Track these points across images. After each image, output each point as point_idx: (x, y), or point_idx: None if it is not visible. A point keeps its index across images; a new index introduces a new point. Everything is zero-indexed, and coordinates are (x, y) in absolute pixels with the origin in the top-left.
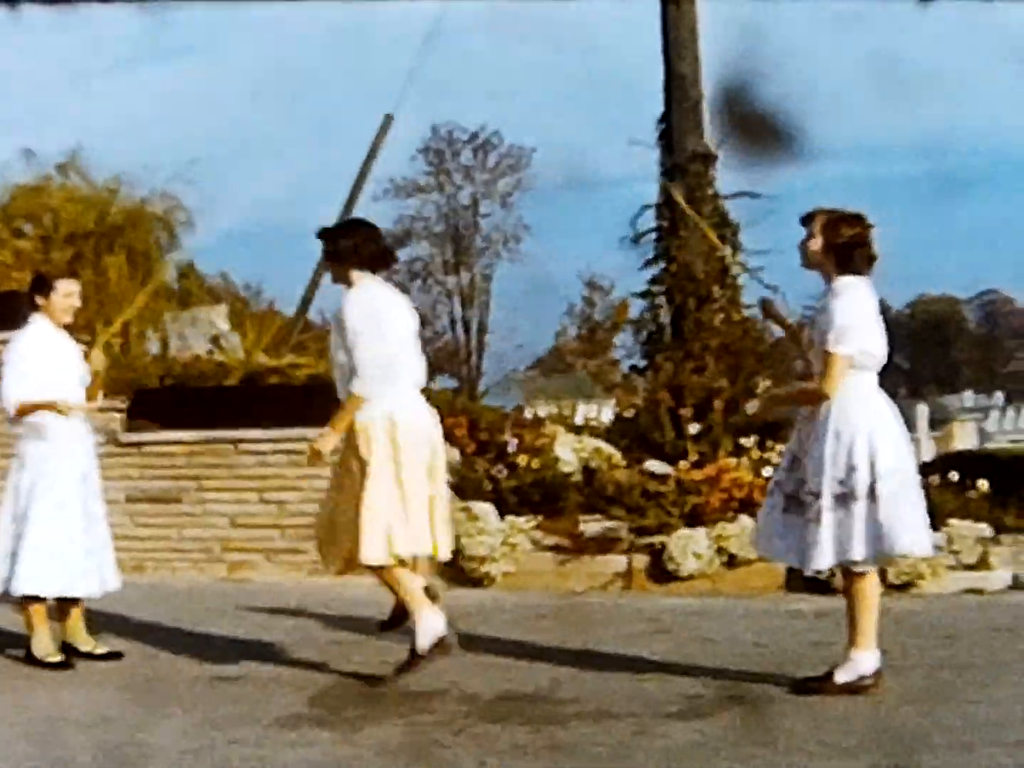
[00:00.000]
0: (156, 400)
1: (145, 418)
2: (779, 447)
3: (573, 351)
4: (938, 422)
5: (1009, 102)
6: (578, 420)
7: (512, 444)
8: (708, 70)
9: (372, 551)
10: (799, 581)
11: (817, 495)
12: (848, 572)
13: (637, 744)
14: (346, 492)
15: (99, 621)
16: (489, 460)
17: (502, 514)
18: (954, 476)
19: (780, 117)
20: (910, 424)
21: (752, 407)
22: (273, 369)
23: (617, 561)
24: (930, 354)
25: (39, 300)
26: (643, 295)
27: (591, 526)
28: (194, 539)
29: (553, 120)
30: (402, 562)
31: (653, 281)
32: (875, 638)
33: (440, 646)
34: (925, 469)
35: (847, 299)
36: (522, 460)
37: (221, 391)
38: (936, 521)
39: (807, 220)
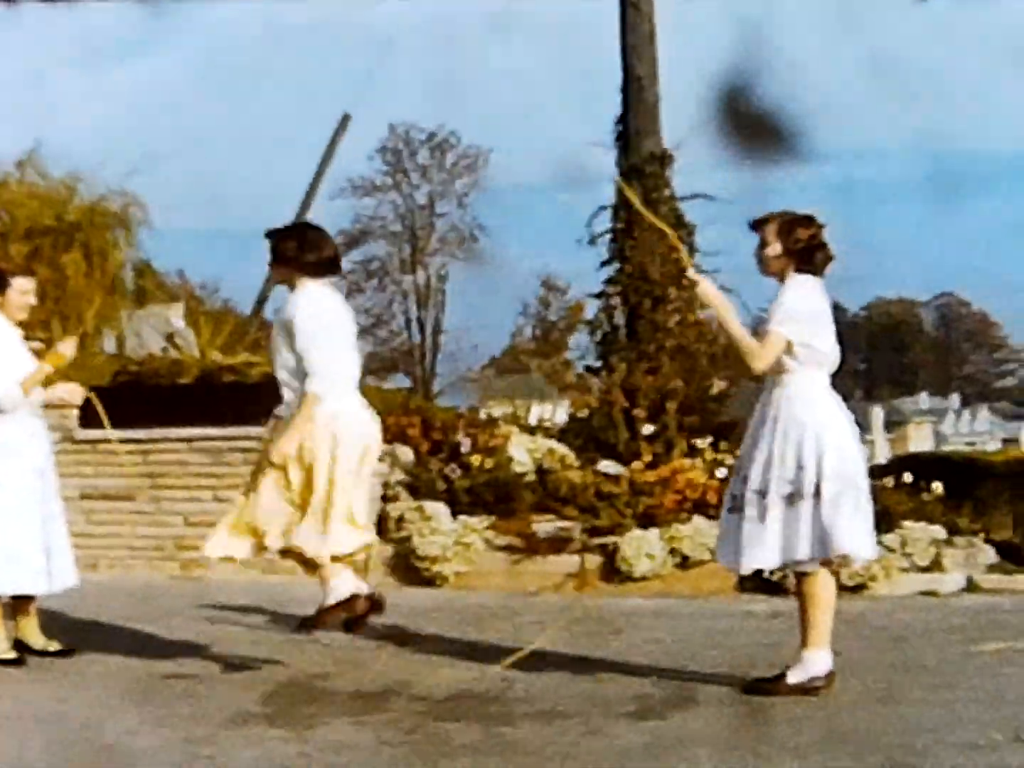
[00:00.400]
0: (111, 397)
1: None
2: (734, 449)
3: (528, 351)
4: (893, 424)
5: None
6: (532, 420)
7: (466, 444)
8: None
9: (336, 544)
10: (752, 582)
11: (763, 493)
12: (799, 572)
13: (588, 744)
14: (281, 485)
15: (53, 618)
16: (442, 460)
17: (455, 514)
18: (908, 478)
19: (779, 117)
20: (865, 426)
21: (696, 280)
22: (228, 367)
23: (570, 561)
24: (886, 356)
25: None
26: (598, 296)
27: (544, 526)
28: (148, 537)
29: (510, 121)
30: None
31: (608, 282)
32: (828, 639)
33: (349, 603)
34: (880, 471)
35: (797, 290)
36: (475, 460)
37: (176, 389)
38: (890, 523)
39: (758, 226)
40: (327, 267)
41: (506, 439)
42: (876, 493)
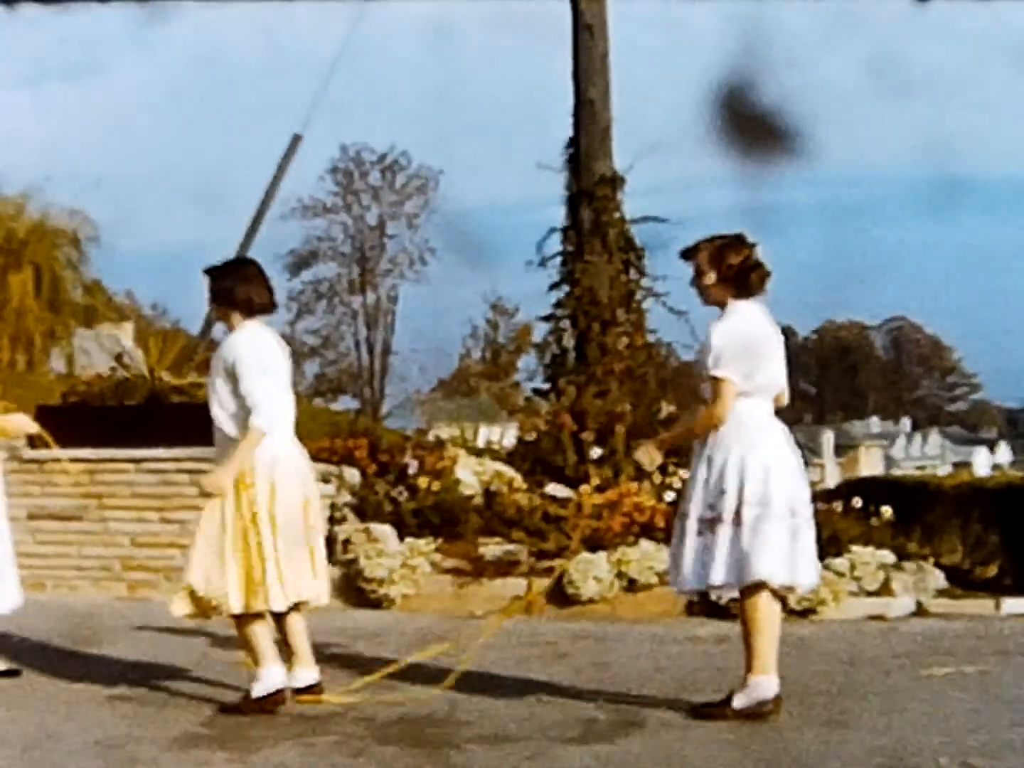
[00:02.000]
0: (58, 418)
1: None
2: (681, 472)
3: (476, 373)
4: (844, 448)
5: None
6: (480, 443)
7: (413, 466)
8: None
9: (266, 599)
10: (700, 606)
11: (685, 516)
12: (741, 597)
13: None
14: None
15: None
16: (389, 482)
17: (402, 536)
18: (858, 502)
19: (780, 117)
20: (816, 449)
21: (643, 456)
22: (176, 388)
23: (516, 584)
24: (837, 380)
25: None
26: (547, 318)
27: (491, 549)
28: (95, 557)
29: (460, 143)
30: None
31: (557, 304)
32: (774, 663)
33: (274, 699)
34: (829, 495)
35: (726, 323)
36: (423, 482)
37: (124, 409)
38: (839, 547)
39: (689, 255)
40: (263, 307)
41: (453, 461)
42: (825, 517)
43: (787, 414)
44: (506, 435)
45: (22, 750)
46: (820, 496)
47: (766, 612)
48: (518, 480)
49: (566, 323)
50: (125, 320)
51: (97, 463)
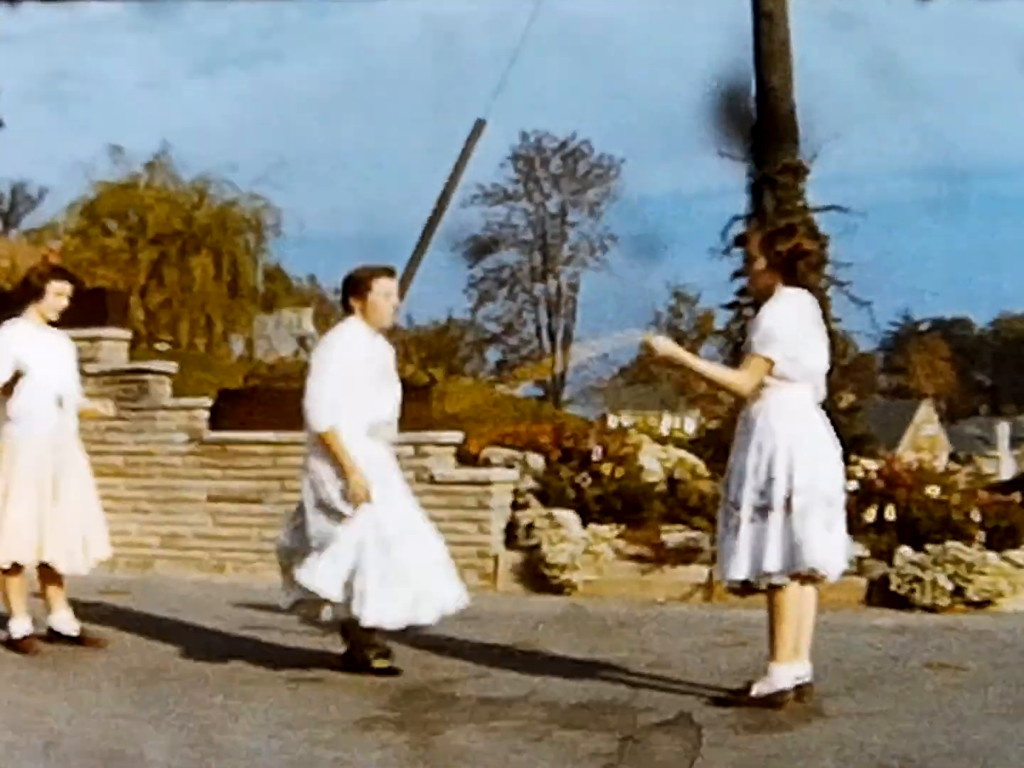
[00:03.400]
0: (240, 400)
1: (229, 418)
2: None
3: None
4: (1019, 440)
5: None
6: (663, 430)
7: (597, 452)
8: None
9: None
10: (879, 596)
11: (738, 506)
12: (770, 585)
13: (714, 755)
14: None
15: (172, 620)
16: (573, 468)
17: (585, 522)
18: None
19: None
20: (991, 441)
21: (657, 342)
22: None
23: (698, 572)
24: (1012, 372)
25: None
26: (730, 306)
27: (673, 536)
28: (275, 540)
29: (642, 133)
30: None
31: (740, 292)
32: (802, 651)
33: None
34: (1006, 487)
35: (778, 307)
36: (606, 469)
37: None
38: (1017, 538)
39: (741, 242)
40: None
41: (637, 448)
42: (1003, 509)
43: (964, 406)
44: (687, 423)
45: (200, 730)
46: (997, 488)
47: (795, 601)
48: (701, 467)
49: (749, 311)
50: (306, 305)
51: (279, 446)
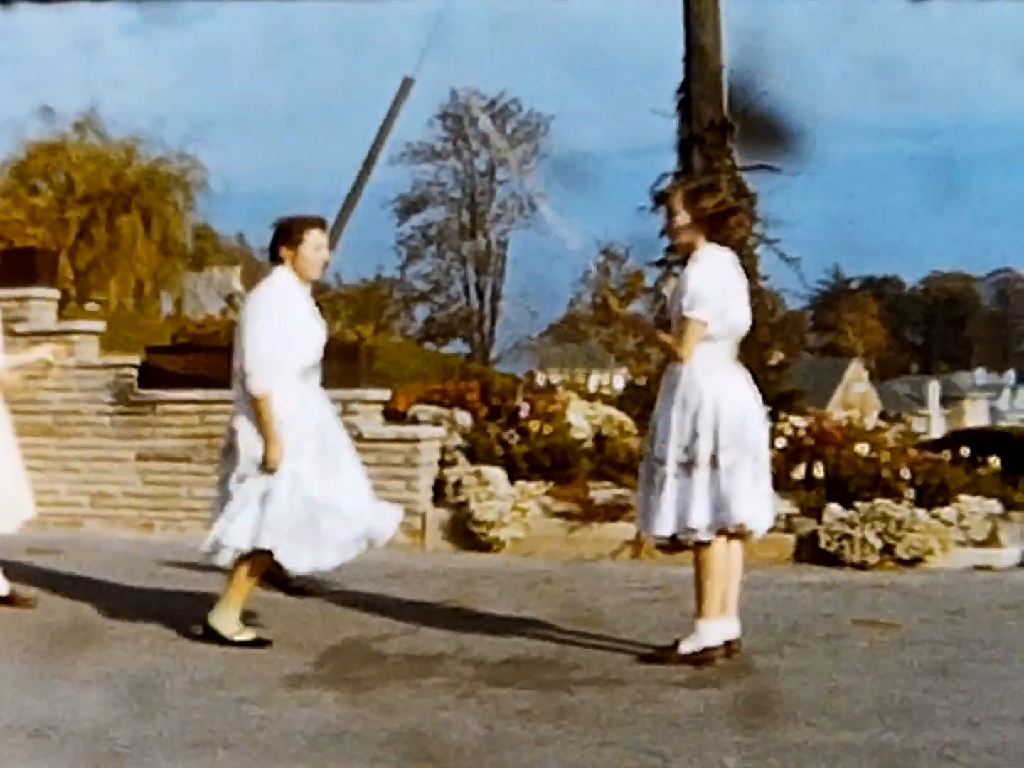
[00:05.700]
0: (168, 358)
1: (157, 376)
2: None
3: (586, 319)
4: (949, 399)
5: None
6: (590, 388)
7: (524, 409)
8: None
9: None
10: (807, 552)
11: (663, 462)
12: (696, 541)
13: (642, 711)
14: None
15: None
16: (501, 425)
17: (512, 479)
18: (966, 452)
19: (781, 115)
20: (921, 400)
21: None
22: None
23: (626, 528)
24: (943, 331)
25: None
26: (659, 264)
27: (601, 493)
28: (204, 498)
29: (572, 89)
30: None
31: (669, 249)
32: (729, 607)
33: None
34: (936, 445)
35: (704, 265)
36: (534, 426)
37: (234, 350)
38: (947, 496)
39: (663, 198)
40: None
41: (565, 405)
42: (933, 467)
43: (895, 364)
44: (616, 380)
45: (130, 690)
46: (927, 446)
47: (722, 557)
48: (629, 424)
49: (677, 268)
50: (235, 263)
51: (207, 404)
